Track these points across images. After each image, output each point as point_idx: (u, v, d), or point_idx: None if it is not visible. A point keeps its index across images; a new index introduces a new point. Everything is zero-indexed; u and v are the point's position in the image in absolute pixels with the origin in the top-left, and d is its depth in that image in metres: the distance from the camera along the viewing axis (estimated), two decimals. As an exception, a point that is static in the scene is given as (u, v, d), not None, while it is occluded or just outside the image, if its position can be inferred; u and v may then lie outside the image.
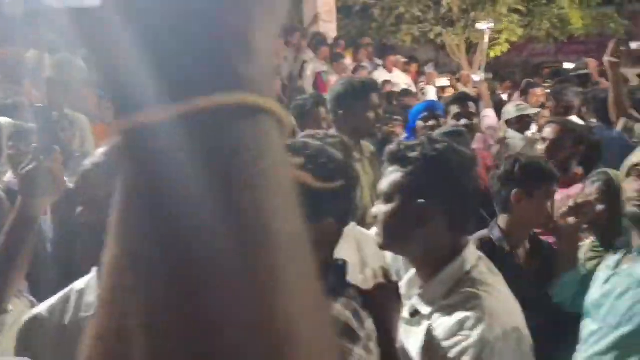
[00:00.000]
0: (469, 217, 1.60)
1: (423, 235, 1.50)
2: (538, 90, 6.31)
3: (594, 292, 1.95)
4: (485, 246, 2.28)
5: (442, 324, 1.40)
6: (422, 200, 1.48)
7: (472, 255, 1.50)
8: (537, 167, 2.32)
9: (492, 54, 10.69)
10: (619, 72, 3.76)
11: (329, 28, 9.11)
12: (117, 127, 0.32)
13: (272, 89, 0.34)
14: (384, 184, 1.58)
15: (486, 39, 8.89)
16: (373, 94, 3.09)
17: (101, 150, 1.43)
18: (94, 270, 1.44)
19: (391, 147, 1.61)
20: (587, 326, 1.91)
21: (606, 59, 3.69)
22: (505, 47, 10.74)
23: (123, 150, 0.32)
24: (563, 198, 2.56)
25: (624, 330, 1.77)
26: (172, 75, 0.30)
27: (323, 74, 8.01)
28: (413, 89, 8.25)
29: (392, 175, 1.55)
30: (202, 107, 0.30)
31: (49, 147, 3.64)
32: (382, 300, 1.41)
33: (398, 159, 1.55)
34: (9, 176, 3.38)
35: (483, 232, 2.35)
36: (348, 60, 8.87)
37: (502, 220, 2.32)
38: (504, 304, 1.41)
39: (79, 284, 1.46)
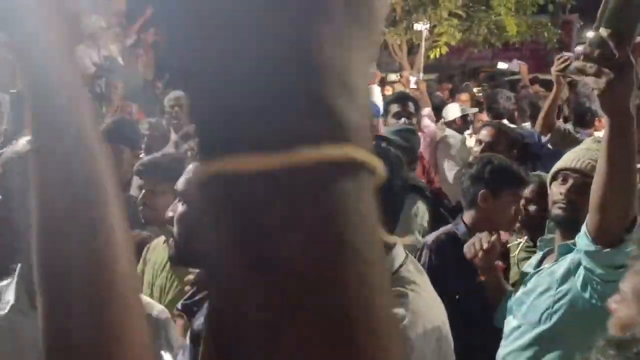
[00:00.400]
0: (396, 217, 1.64)
1: None
2: (463, 96, 6.58)
3: (518, 290, 2.02)
4: (450, 240, 2.36)
5: None
6: None
7: (400, 254, 1.54)
8: (507, 171, 2.40)
9: (431, 56, 10.93)
10: (561, 88, 3.78)
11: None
12: (206, 168, 0.29)
13: (369, 135, 0.31)
14: None
15: (424, 39, 9.07)
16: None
17: (24, 139, 1.37)
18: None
19: None
20: (509, 323, 1.98)
21: (554, 70, 3.60)
22: (444, 50, 11.00)
23: (210, 194, 0.29)
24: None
25: (543, 327, 1.85)
26: (270, 118, 0.28)
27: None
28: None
29: None
30: (305, 159, 0.27)
31: None
32: None
33: None
34: None
35: (448, 227, 2.46)
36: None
37: (467, 216, 2.42)
38: (428, 303, 1.45)
39: None
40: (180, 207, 1.55)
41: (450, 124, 5.09)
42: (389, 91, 7.80)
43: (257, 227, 0.27)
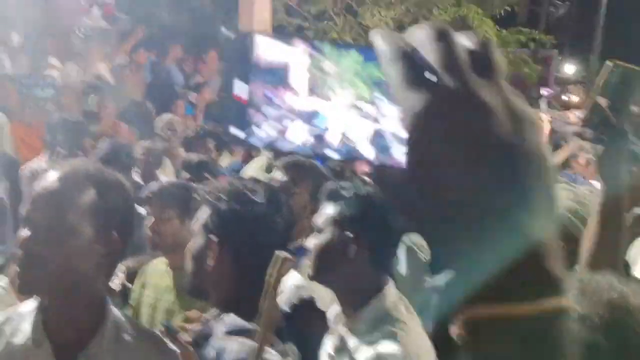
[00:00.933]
0: (390, 256, 1.77)
1: (348, 269, 1.65)
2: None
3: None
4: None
5: (365, 358, 1.54)
6: (349, 234, 1.63)
7: (392, 294, 1.65)
8: None
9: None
10: None
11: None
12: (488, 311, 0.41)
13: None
14: (319, 218, 1.72)
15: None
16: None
17: (53, 174, 1.39)
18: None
19: (328, 185, 1.77)
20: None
21: None
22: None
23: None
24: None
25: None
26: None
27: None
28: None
29: (326, 210, 1.70)
30: (552, 307, 0.41)
31: None
32: None
33: (333, 196, 1.70)
34: None
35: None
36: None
37: None
38: (418, 344, 1.56)
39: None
40: (195, 242, 1.60)
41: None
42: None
43: None
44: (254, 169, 3.98)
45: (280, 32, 10.28)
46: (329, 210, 1.70)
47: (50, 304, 1.39)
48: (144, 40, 8.10)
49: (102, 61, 7.48)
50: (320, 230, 1.70)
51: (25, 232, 1.34)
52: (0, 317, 1.44)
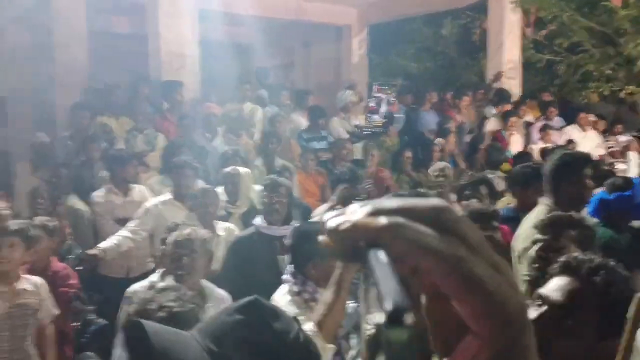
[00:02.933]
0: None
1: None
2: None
3: None
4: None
5: None
6: None
7: None
8: None
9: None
10: None
11: (512, 84, 9.19)
12: None
13: None
14: (558, 292, 1.65)
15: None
16: (587, 168, 3.28)
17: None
18: None
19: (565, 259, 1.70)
20: None
21: None
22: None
23: None
24: None
25: None
26: None
27: (503, 132, 8.13)
28: (602, 149, 8.05)
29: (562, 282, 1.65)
30: None
31: (296, 201, 4.17)
32: None
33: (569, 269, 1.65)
34: (258, 221, 3.94)
35: None
36: (530, 116, 8.87)
37: None
38: None
39: None
40: None
41: None
42: None
43: None
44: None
45: (528, 67, 10.09)
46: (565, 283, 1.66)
47: None
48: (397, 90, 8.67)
49: (362, 113, 8.18)
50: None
51: None
52: None
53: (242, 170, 4.85)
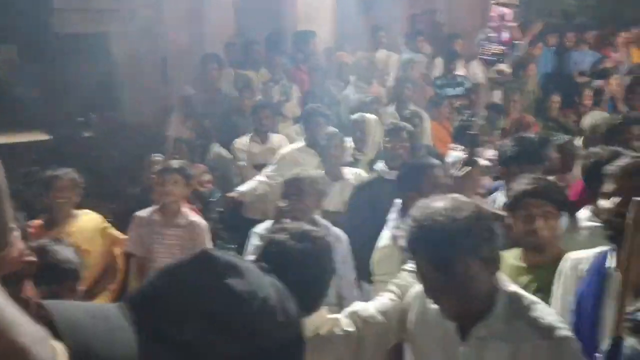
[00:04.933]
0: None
1: None
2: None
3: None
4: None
5: None
6: None
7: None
8: None
9: None
10: None
11: None
12: None
13: None
14: None
15: None
16: None
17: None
18: None
19: None
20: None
21: None
22: None
23: None
24: None
25: None
26: None
27: None
28: None
29: None
30: None
31: (418, 146, 4.17)
32: None
33: None
34: (380, 166, 4.00)
35: None
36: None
37: None
38: None
39: None
40: None
41: None
42: None
43: None
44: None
45: None
46: None
47: None
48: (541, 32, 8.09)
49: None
50: None
51: None
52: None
53: (369, 117, 4.89)
